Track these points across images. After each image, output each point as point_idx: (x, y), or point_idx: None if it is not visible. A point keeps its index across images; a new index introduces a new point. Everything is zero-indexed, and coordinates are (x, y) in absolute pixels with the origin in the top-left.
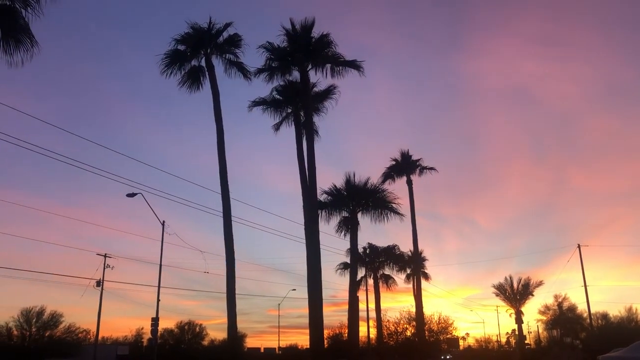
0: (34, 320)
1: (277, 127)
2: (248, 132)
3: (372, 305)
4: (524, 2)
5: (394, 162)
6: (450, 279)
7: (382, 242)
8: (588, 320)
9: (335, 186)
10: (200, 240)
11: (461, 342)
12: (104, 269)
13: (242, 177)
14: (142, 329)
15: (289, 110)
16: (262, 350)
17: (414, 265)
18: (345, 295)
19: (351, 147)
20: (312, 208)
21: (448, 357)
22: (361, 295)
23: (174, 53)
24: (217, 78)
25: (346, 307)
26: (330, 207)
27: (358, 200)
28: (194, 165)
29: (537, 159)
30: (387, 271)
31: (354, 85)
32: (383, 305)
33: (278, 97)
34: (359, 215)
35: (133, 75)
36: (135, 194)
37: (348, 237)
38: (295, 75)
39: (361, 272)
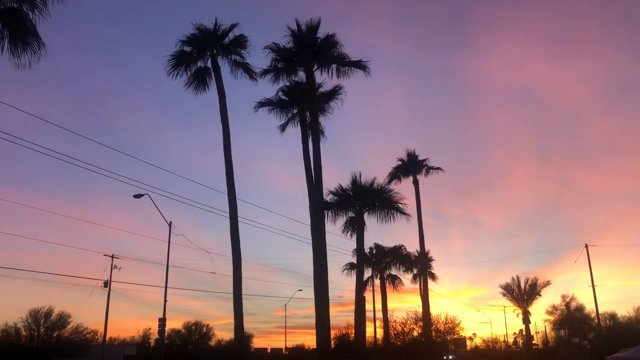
0: (42, 320)
1: (283, 127)
2: (254, 132)
3: (378, 306)
4: (528, 1)
5: (400, 162)
6: (457, 279)
7: (388, 242)
8: (596, 321)
9: (341, 186)
10: (207, 241)
11: (468, 343)
12: (112, 269)
13: (248, 178)
14: (150, 329)
15: (295, 111)
16: (269, 350)
17: (421, 266)
18: (351, 295)
19: (357, 147)
20: (318, 208)
21: (450, 357)
22: (368, 295)
23: (180, 54)
24: (223, 79)
25: (353, 307)
26: (336, 207)
27: (364, 200)
28: (201, 165)
29: (543, 158)
30: (393, 271)
31: (360, 85)
32: (390, 305)
33: (284, 97)
34: (365, 215)
35: (139, 76)
36: (142, 195)
37: (354, 237)
38: (301, 75)
39: (368, 273)
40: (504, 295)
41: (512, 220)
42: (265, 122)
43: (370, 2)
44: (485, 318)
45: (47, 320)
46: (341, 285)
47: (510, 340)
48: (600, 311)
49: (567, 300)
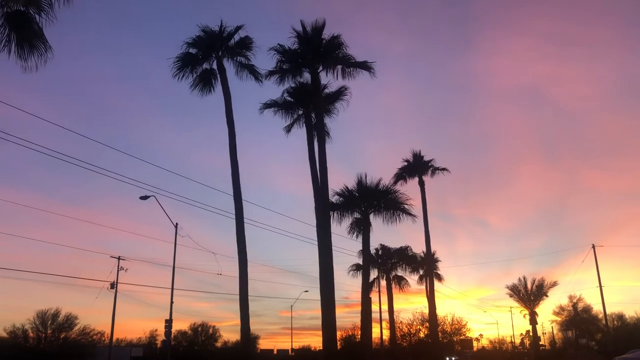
0: (50, 322)
1: (288, 128)
2: (259, 133)
3: (384, 307)
4: (535, 1)
5: (405, 163)
6: (463, 279)
7: (394, 243)
8: (604, 322)
9: (346, 187)
10: (213, 242)
11: (475, 344)
12: (118, 271)
13: (254, 179)
14: (156, 330)
15: (300, 112)
16: (275, 351)
17: (427, 266)
18: (357, 296)
19: (362, 148)
20: (324, 209)
21: (454, 358)
22: (374, 296)
23: (185, 56)
24: (229, 80)
25: (359, 308)
26: (342, 209)
27: (370, 201)
28: (206, 167)
29: (550, 159)
30: (399, 272)
31: (365, 86)
32: (396, 306)
33: (289, 98)
34: (371, 216)
35: (145, 78)
36: (149, 197)
37: (360, 238)
38: (306, 77)
39: (374, 274)
40: (511, 296)
41: (519, 221)
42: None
43: (375, 2)
44: (492, 319)
45: (55, 321)
46: (347, 286)
47: (517, 341)
48: (607, 312)
49: (575, 301)
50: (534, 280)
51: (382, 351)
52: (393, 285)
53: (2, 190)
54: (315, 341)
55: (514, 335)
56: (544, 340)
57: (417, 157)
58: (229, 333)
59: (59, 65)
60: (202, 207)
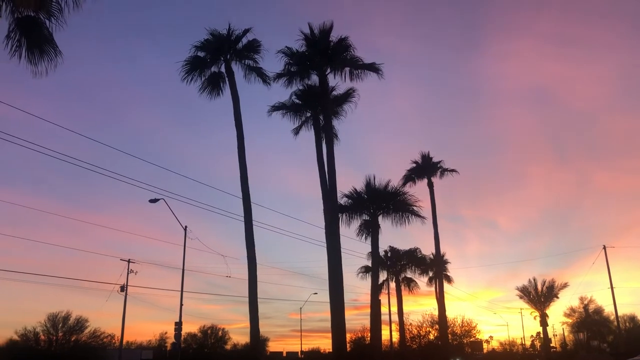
0: (60, 325)
1: (296, 131)
2: (268, 136)
3: (394, 309)
4: (543, 2)
5: (414, 165)
6: (473, 281)
7: (403, 245)
8: (615, 323)
9: (355, 189)
10: (222, 245)
11: (485, 345)
12: (128, 274)
13: (262, 181)
14: (166, 333)
15: (308, 114)
16: (284, 354)
17: (436, 268)
18: (367, 298)
19: (371, 150)
20: (333, 211)
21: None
22: (383, 298)
23: (194, 59)
24: (237, 83)
25: (368, 310)
26: (350, 211)
27: (379, 203)
28: (215, 169)
29: (559, 160)
30: (409, 274)
31: (373, 88)
32: (405, 308)
33: (297, 101)
34: (380, 218)
35: (154, 81)
36: (158, 200)
37: (369, 240)
38: (314, 79)
39: (383, 276)
40: (521, 297)
41: (529, 222)
42: (278, 126)
43: (382, 4)
44: (502, 321)
45: (65, 324)
46: (356, 288)
47: (528, 343)
48: (619, 313)
49: (586, 302)
50: (544, 282)
51: (392, 353)
52: (402, 287)
53: (12, 194)
54: (325, 343)
55: (524, 337)
56: (554, 342)
57: (426, 158)
58: (239, 335)
59: (68, 68)
60: (211, 209)
